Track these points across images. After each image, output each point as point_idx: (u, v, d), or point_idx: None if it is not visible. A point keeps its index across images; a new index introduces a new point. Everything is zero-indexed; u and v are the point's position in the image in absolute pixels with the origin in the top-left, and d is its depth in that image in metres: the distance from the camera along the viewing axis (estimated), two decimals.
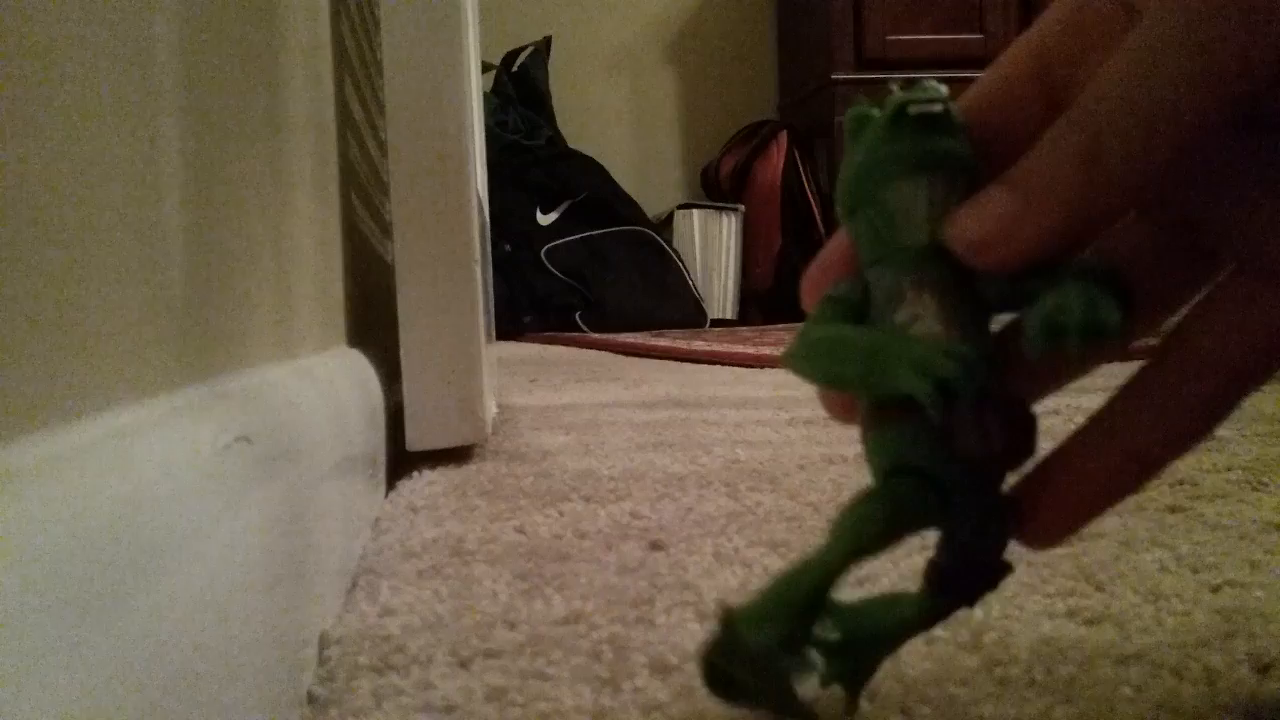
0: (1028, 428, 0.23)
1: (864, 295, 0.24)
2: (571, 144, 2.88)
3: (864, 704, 0.27)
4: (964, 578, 0.24)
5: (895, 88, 0.24)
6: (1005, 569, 0.25)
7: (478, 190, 0.69)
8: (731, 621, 0.23)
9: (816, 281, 0.25)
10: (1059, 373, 0.26)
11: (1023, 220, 0.22)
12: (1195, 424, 0.24)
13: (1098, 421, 0.25)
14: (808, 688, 0.24)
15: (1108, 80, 0.21)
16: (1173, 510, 0.48)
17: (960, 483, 0.23)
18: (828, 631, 0.26)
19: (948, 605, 0.25)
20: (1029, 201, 0.22)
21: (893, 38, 2.58)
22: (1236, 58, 0.20)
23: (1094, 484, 0.25)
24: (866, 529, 0.23)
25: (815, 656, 0.25)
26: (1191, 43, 0.20)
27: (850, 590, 0.37)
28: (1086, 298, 0.21)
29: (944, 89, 0.24)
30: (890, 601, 0.26)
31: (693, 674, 0.29)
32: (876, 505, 0.23)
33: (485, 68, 2.48)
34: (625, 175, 2.87)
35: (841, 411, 0.26)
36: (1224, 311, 0.24)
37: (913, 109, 0.23)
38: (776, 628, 0.23)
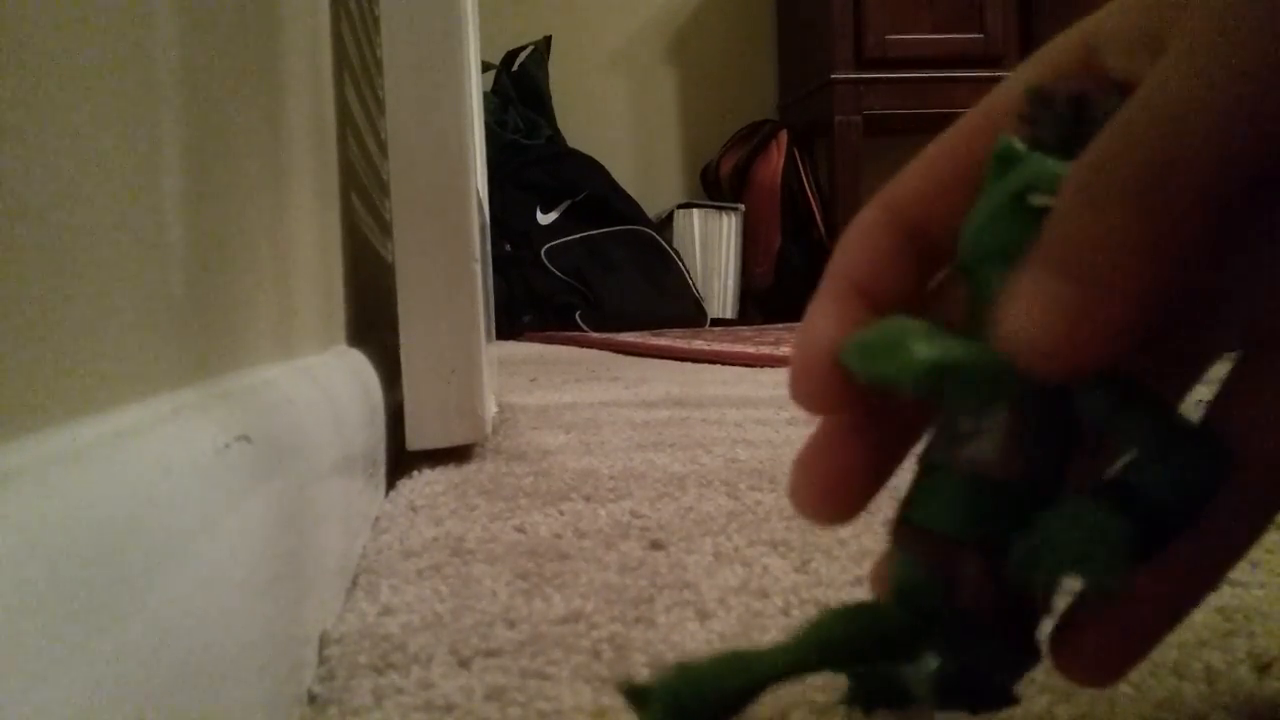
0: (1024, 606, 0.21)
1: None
2: (571, 143, 2.88)
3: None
4: (964, 697, 0.23)
5: (1042, 106, 0.20)
6: (1010, 700, 0.23)
7: (478, 189, 0.69)
8: (645, 699, 0.21)
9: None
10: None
11: (1089, 310, 0.18)
12: (1256, 525, 0.21)
13: None
14: None
15: (1148, 101, 0.18)
16: None
17: (961, 630, 0.21)
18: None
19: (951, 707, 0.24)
20: (1088, 282, 0.18)
21: (892, 37, 2.58)
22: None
23: (1146, 610, 0.21)
24: (841, 641, 0.22)
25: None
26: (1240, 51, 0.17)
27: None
28: (1086, 535, 0.19)
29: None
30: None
31: None
32: (857, 625, 0.22)
33: (485, 67, 2.49)
34: (625, 174, 2.87)
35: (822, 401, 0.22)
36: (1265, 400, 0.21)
37: (1035, 200, 0.19)
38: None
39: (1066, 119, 0.20)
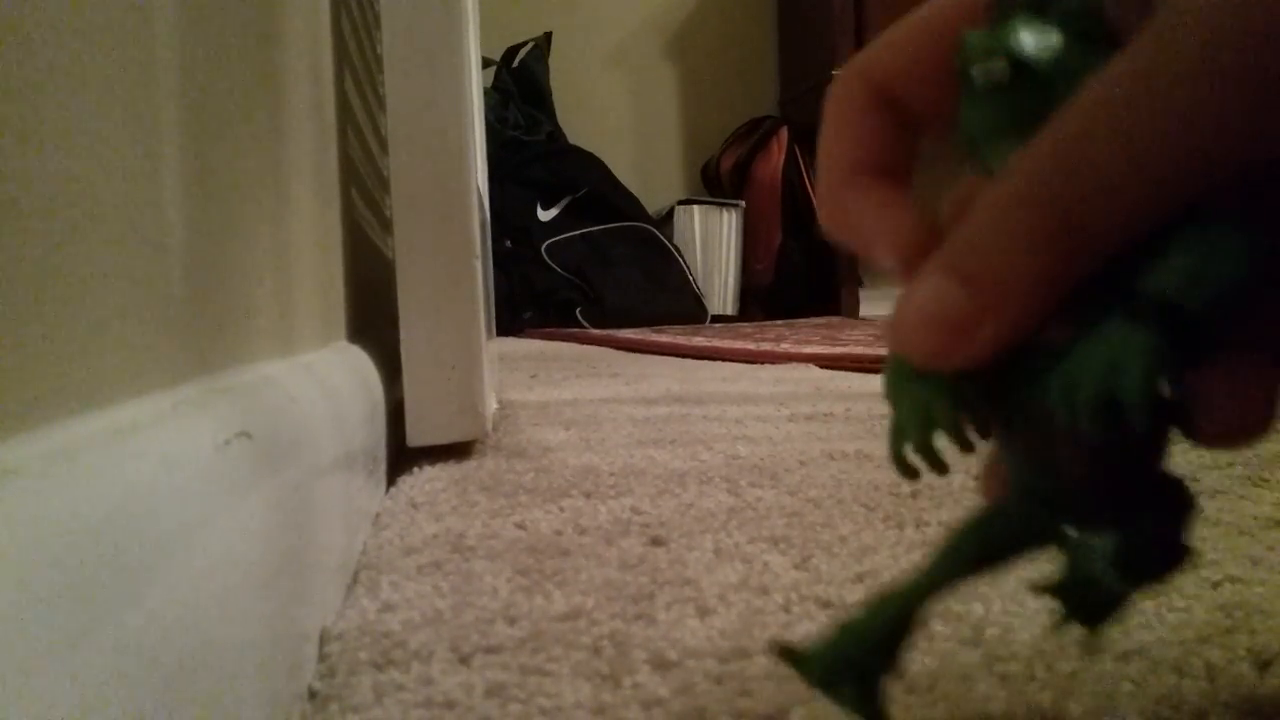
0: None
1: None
2: (572, 140, 2.88)
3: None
4: (1146, 562, 0.22)
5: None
6: (1184, 554, 0.22)
7: (478, 186, 0.69)
8: (807, 663, 0.22)
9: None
10: None
11: (980, 321, 0.19)
12: None
13: None
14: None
15: (1073, 126, 0.18)
16: None
17: (1083, 511, 0.21)
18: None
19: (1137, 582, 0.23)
20: (984, 297, 0.19)
21: None
22: (1251, 102, 0.16)
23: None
24: (971, 554, 0.21)
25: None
26: (1205, 72, 0.16)
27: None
28: (1104, 373, 0.18)
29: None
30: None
31: (693, 669, 0.29)
32: (989, 530, 0.21)
33: (485, 63, 2.48)
34: (626, 171, 2.87)
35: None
36: None
37: (973, 71, 0.19)
38: (864, 672, 0.22)
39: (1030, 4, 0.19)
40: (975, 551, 0.22)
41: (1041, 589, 0.24)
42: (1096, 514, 0.21)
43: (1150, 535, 0.22)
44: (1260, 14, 0.16)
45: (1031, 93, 0.19)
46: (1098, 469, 0.20)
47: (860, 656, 0.22)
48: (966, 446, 0.20)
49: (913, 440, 0.20)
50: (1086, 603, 0.24)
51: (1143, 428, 0.18)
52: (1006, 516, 0.22)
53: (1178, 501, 0.22)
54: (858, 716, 0.22)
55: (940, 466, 0.20)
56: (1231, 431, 0.20)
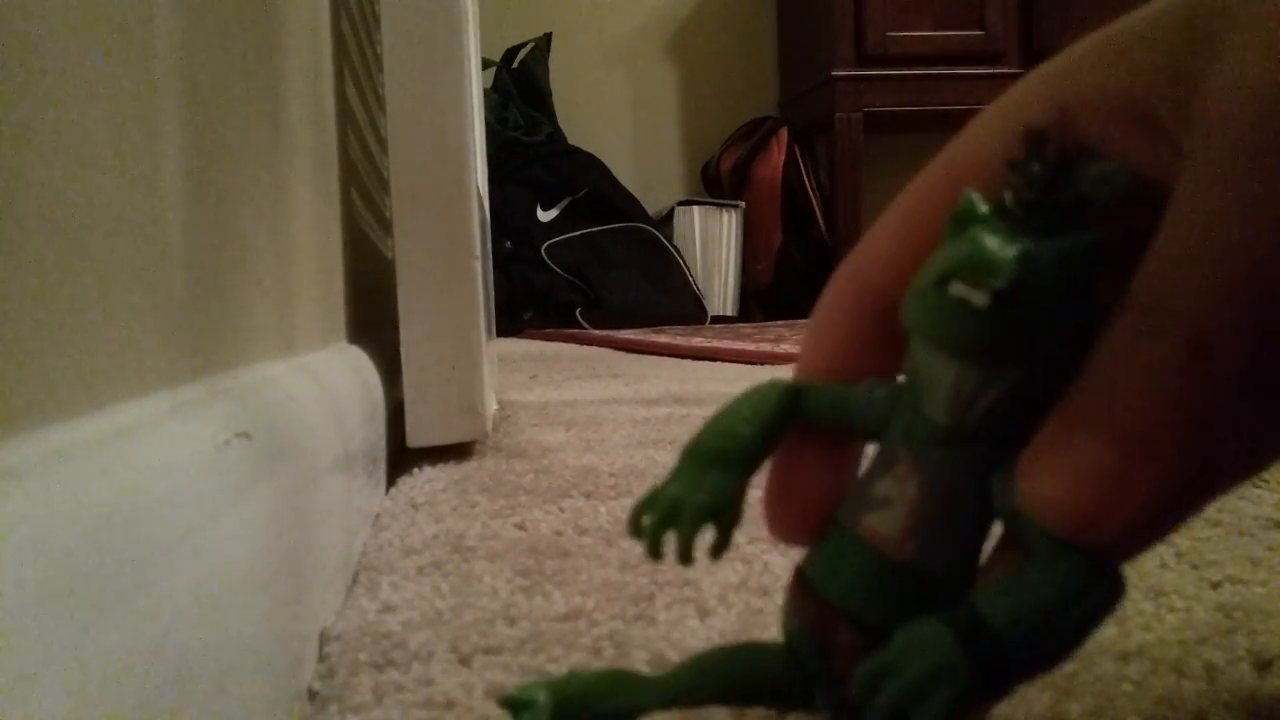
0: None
1: (886, 414, 0.20)
2: (572, 140, 2.88)
3: None
4: None
5: (1031, 166, 0.18)
6: None
7: (478, 186, 0.69)
8: (524, 707, 0.22)
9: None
10: None
11: (1128, 479, 0.16)
12: None
13: None
14: None
15: (1181, 249, 0.16)
16: None
17: (835, 703, 0.20)
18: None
19: None
20: (1129, 450, 0.16)
21: (893, 34, 2.58)
22: None
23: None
24: (711, 681, 0.21)
25: None
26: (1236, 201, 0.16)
27: None
28: (921, 670, 0.17)
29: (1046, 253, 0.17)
30: None
31: None
32: (741, 665, 0.21)
33: (485, 64, 2.48)
34: (625, 172, 2.87)
35: (785, 536, 0.22)
36: None
37: (953, 289, 0.17)
38: None
39: (1040, 183, 0.18)
40: (718, 680, 0.22)
41: None
42: (838, 707, 0.20)
43: None
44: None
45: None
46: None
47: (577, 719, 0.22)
48: (685, 560, 0.20)
49: (649, 526, 0.20)
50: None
51: None
52: (763, 659, 0.21)
53: None
54: None
55: (654, 555, 0.20)
56: None
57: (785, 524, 0.22)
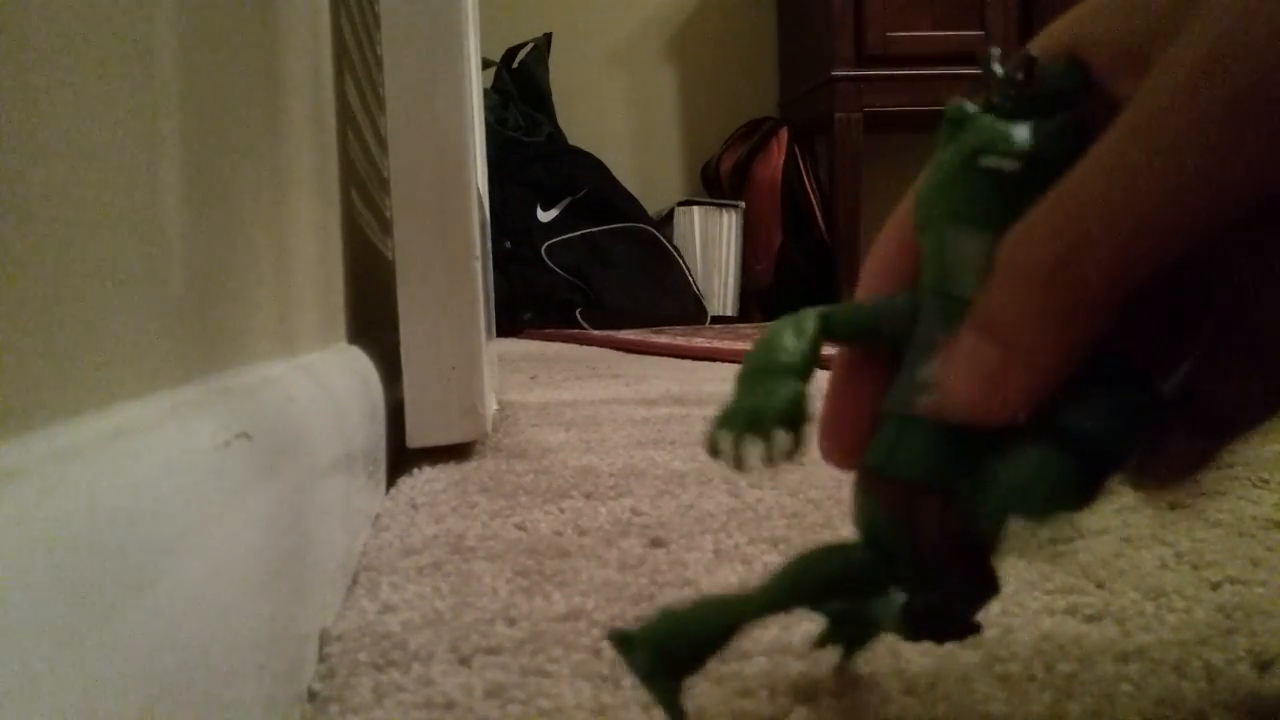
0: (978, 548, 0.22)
1: (912, 317, 0.22)
2: (572, 140, 2.88)
3: (867, 701, 0.27)
4: (929, 628, 0.24)
5: (995, 66, 0.21)
6: (973, 629, 0.24)
7: (478, 187, 0.69)
8: (632, 646, 0.23)
9: (874, 274, 0.24)
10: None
11: (1008, 372, 0.20)
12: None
13: None
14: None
15: (1077, 187, 0.19)
16: (1173, 507, 0.48)
17: (921, 569, 0.22)
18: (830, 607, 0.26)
19: (919, 638, 0.25)
20: (1008, 347, 0.20)
21: (893, 34, 2.58)
22: (1250, 157, 0.17)
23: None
24: (810, 581, 0.23)
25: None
26: (1197, 137, 0.18)
27: None
28: (1026, 495, 0.19)
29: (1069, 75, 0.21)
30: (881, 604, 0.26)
31: None
32: (824, 566, 0.23)
33: (485, 64, 2.48)
34: (625, 172, 2.87)
35: (841, 457, 0.24)
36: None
37: (985, 161, 0.20)
38: (676, 667, 0.23)
39: (1016, 82, 0.21)
40: (809, 584, 0.23)
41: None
42: (925, 578, 0.22)
43: (953, 608, 0.23)
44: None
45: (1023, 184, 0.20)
46: (945, 545, 0.22)
47: (677, 653, 0.23)
48: (770, 462, 0.21)
49: (732, 436, 0.21)
50: (854, 635, 0.27)
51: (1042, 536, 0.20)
52: (846, 556, 0.23)
53: (987, 588, 0.23)
54: (662, 708, 0.24)
55: (742, 466, 0.21)
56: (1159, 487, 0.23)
57: (841, 443, 0.24)
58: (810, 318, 0.23)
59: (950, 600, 0.23)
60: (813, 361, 0.22)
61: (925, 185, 0.22)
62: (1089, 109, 0.20)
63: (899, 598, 0.24)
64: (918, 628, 0.24)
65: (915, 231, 0.22)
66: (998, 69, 0.21)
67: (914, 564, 0.22)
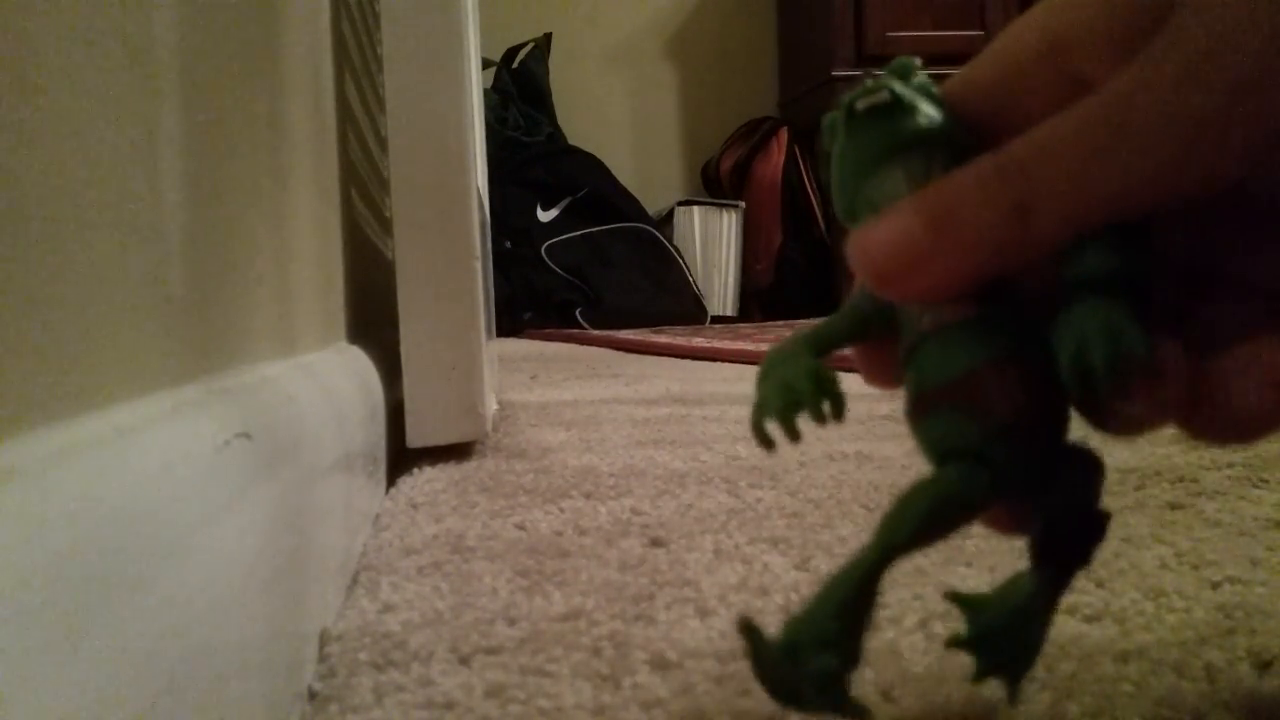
0: (1058, 392, 0.22)
1: (879, 310, 0.24)
2: (572, 140, 2.88)
3: (868, 700, 0.27)
4: (1062, 541, 0.24)
5: (867, 81, 0.24)
6: (1103, 519, 0.24)
7: (478, 187, 0.69)
8: (791, 646, 0.22)
9: None
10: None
11: (932, 256, 0.21)
12: None
13: None
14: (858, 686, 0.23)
15: (1063, 135, 0.20)
16: (1173, 507, 0.48)
17: (1013, 457, 0.22)
18: (961, 628, 0.26)
19: (1062, 572, 0.24)
20: (940, 235, 0.21)
21: (893, 34, 2.58)
22: (1214, 142, 0.18)
23: None
24: (910, 522, 0.22)
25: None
26: (1162, 115, 0.19)
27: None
28: (1107, 328, 0.20)
29: (913, 64, 0.23)
30: (1012, 584, 0.26)
31: (693, 670, 0.29)
32: (922, 495, 0.22)
33: (485, 64, 2.48)
34: (625, 172, 2.87)
35: (881, 378, 0.25)
36: None
37: (859, 104, 0.23)
38: (837, 649, 0.22)
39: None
40: (925, 517, 0.22)
41: (957, 643, 0.26)
42: (1020, 466, 0.22)
43: (1069, 501, 0.23)
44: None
45: (901, 125, 0.23)
46: (1028, 406, 0.22)
47: (818, 659, 0.22)
48: (820, 420, 0.22)
49: (774, 413, 0.22)
50: (1002, 652, 0.26)
51: (1141, 378, 0.20)
52: (939, 484, 0.22)
53: (1090, 464, 0.24)
54: (831, 715, 0.22)
55: (796, 436, 0.22)
56: (1256, 416, 0.21)
57: (881, 374, 0.25)
58: (803, 349, 0.24)
59: (1066, 487, 0.23)
60: (829, 381, 0.23)
61: (833, 181, 0.24)
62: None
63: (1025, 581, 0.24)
64: (1049, 549, 0.24)
65: (849, 227, 0.23)
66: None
67: (1004, 445, 0.22)
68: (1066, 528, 0.24)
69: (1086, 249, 0.21)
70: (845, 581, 0.22)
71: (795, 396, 0.22)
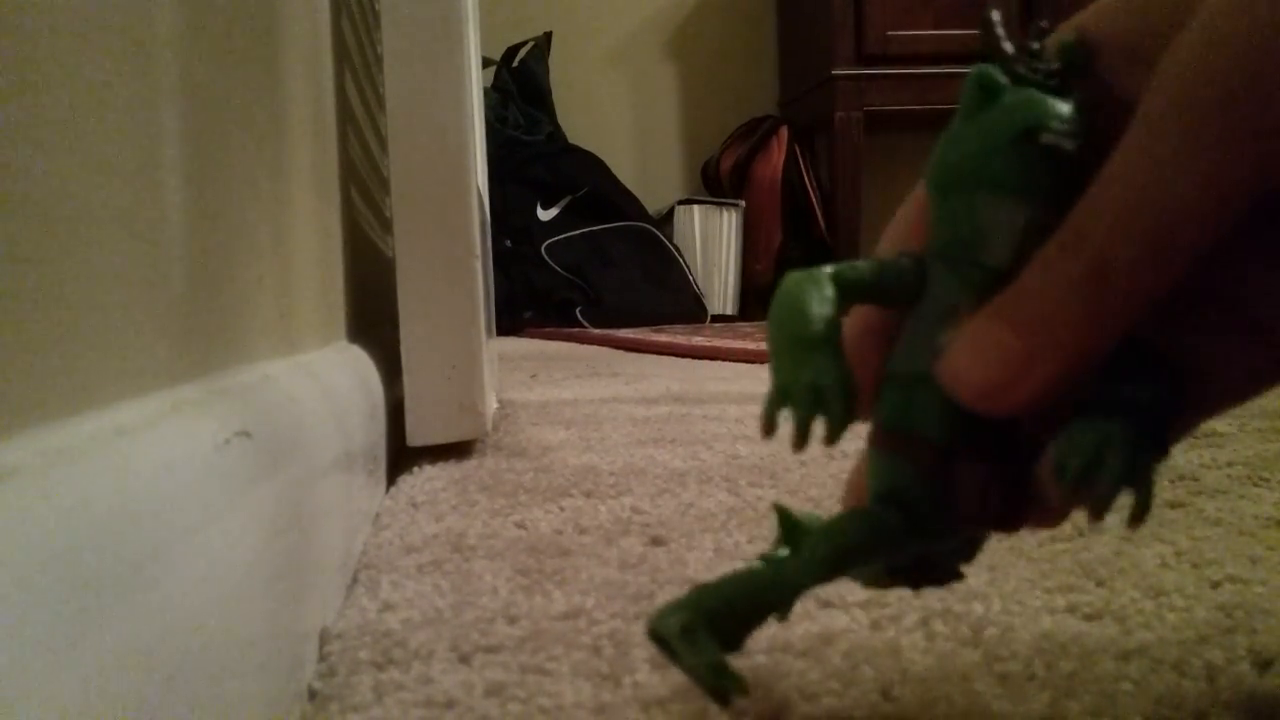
0: (1022, 502, 0.22)
1: (919, 278, 0.23)
2: (572, 139, 2.87)
3: (867, 699, 0.27)
4: (918, 577, 0.24)
5: (999, 31, 0.22)
6: (959, 577, 0.25)
7: (478, 186, 0.69)
8: (665, 615, 0.23)
9: (897, 237, 0.24)
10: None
11: (1031, 364, 0.20)
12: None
13: None
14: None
15: (1105, 192, 0.20)
16: (1173, 506, 0.48)
17: (946, 528, 0.22)
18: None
19: (896, 585, 0.25)
20: (1034, 341, 0.20)
21: (893, 33, 2.58)
22: (1250, 156, 0.18)
23: None
24: (841, 554, 0.23)
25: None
26: (1199, 141, 0.18)
27: None
28: (1108, 449, 0.20)
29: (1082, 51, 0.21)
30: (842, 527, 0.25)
31: None
32: (856, 529, 0.23)
33: (486, 63, 2.48)
34: (626, 171, 2.87)
35: (865, 362, 0.24)
36: None
37: (1045, 138, 0.21)
38: (720, 641, 0.23)
39: (1033, 51, 0.22)
40: (846, 552, 0.23)
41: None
42: (953, 535, 0.23)
43: (951, 559, 0.24)
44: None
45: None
46: (990, 508, 0.22)
47: (716, 621, 0.23)
48: (835, 440, 0.22)
49: (797, 415, 0.22)
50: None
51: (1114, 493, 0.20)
52: (875, 521, 0.23)
53: (980, 540, 0.24)
54: (704, 675, 0.23)
55: (804, 444, 0.22)
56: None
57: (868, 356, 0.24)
58: (827, 282, 0.22)
59: (952, 553, 0.23)
60: (838, 326, 0.22)
61: (954, 149, 0.22)
62: (1090, 92, 0.21)
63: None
64: (902, 573, 0.24)
65: (931, 194, 0.22)
66: (1001, 34, 0.21)
67: (947, 525, 0.22)
68: (931, 572, 0.24)
69: (1115, 378, 0.21)
70: (756, 591, 0.23)
71: (821, 409, 0.22)
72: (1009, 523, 0.22)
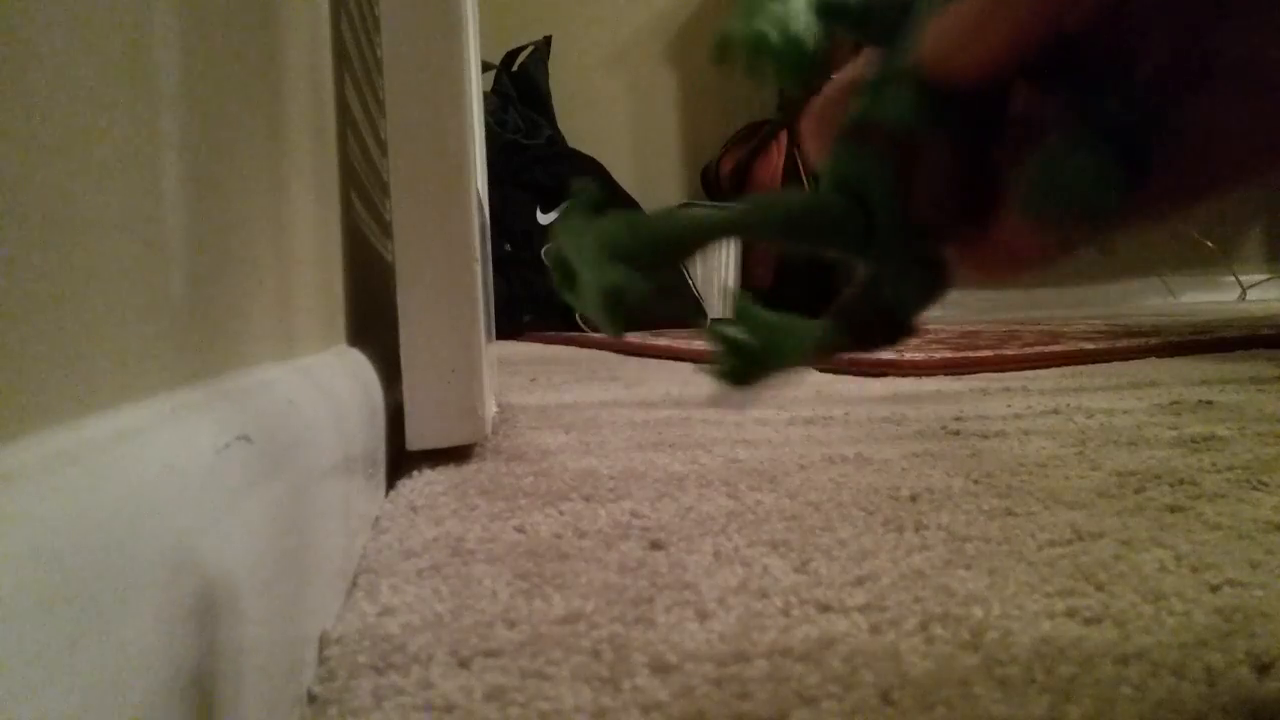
0: (979, 214, 0.21)
1: (903, 11, 0.22)
2: (572, 143, 2.88)
3: (866, 703, 0.27)
4: (871, 326, 0.23)
5: None
6: (913, 331, 0.23)
7: (478, 189, 0.69)
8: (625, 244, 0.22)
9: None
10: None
11: (984, 20, 0.20)
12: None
13: None
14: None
15: None
16: (1172, 510, 0.48)
17: (897, 227, 0.21)
18: (738, 333, 0.25)
19: (848, 345, 0.24)
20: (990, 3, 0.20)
21: None
22: None
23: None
24: (780, 211, 0.22)
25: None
26: None
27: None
28: (1080, 163, 0.20)
29: None
30: (796, 325, 0.24)
31: (692, 673, 0.29)
32: (804, 201, 0.22)
33: (485, 67, 2.49)
34: (625, 175, 2.87)
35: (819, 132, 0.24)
36: None
37: None
38: (625, 257, 0.22)
39: None
40: (780, 214, 0.22)
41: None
42: (903, 239, 0.22)
43: (908, 299, 0.23)
44: None
45: None
46: (944, 203, 0.21)
47: (632, 244, 0.22)
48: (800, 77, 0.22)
49: (770, 56, 0.22)
50: (745, 368, 0.25)
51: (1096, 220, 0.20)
52: (823, 200, 0.22)
53: (943, 277, 0.23)
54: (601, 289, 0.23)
55: (753, 70, 0.23)
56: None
57: (823, 123, 0.24)
58: None
59: (908, 277, 0.22)
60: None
61: None
62: None
63: (812, 328, 0.23)
64: (855, 326, 0.23)
65: None
66: None
67: (898, 221, 0.21)
68: (883, 320, 0.23)
69: (1087, 95, 0.20)
70: (678, 223, 0.22)
71: (789, 44, 0.21)
72: (962, 233, 0.22)
